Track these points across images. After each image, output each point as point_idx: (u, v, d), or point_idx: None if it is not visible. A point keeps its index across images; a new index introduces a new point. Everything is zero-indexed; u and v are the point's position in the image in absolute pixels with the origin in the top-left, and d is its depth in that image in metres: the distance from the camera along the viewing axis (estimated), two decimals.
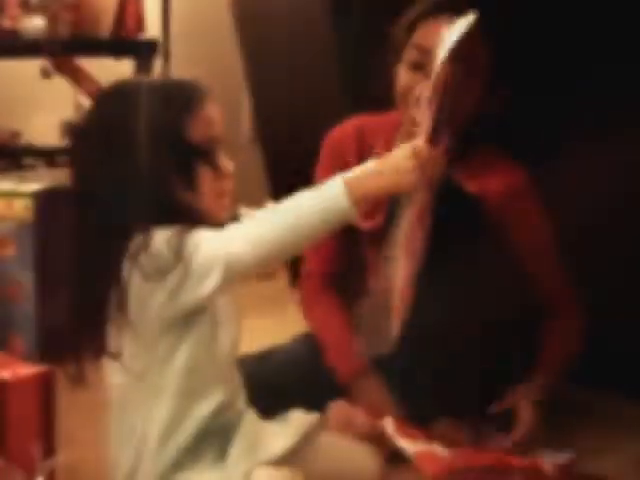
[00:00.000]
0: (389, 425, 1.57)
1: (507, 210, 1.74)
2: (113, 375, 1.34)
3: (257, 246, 1.24)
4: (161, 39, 3.35)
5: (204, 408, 1.32)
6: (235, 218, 1.41)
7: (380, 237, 1.83)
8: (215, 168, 1.32)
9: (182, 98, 1.32)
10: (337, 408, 1.63)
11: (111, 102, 1.36)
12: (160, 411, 1.31)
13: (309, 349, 1.80)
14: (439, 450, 1.55)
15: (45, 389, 1.46)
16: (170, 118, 1.30)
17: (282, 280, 2.96)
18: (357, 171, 1.30)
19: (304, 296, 1.90)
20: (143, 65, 3.19)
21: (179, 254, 1.24)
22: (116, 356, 1.31)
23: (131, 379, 1.31)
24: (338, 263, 1.88)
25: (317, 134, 1.94)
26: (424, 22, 1.75)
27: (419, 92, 1.54)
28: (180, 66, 3.23)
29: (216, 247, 1.25)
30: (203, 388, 1.32)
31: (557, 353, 1.79)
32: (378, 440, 1.52)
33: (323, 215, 1.25)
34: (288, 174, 2.89)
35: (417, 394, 1.70)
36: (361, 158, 1.84)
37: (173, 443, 1.30)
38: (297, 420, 1.39)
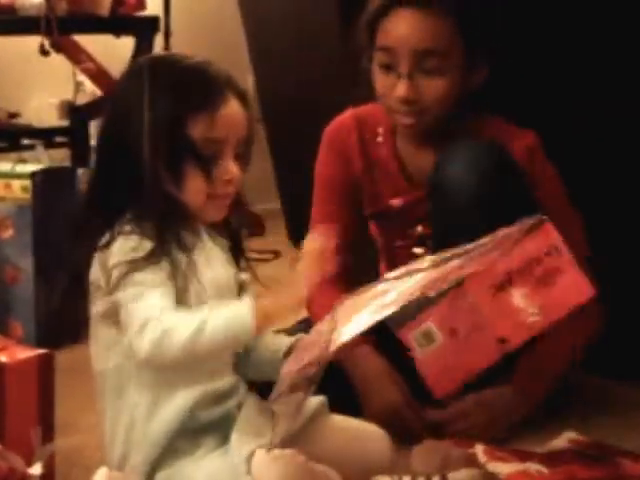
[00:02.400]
0: (479, 451, 1.55)
1: (530, 172, 1.74)
2: (97, 362, 1.35)
3: (163, 354, 1.25)
4: (162, 16, 3.34)
5: (187, 397, 1.32)
6: (241, 221, 1.42)
7: (399, 222, 1.84)
8: (206, 173, 1.32)
9: (195, 94, 1.31)
10: (425, 448, 1.60)
11: (127, 81, 1.37)
12: (142, 398, 1.31)
13: None
14: (535, 469, 1.52)
15: (44, 373, 1.46)
16: (174, 112, 1.30)
17: (286, 259, 2.96)
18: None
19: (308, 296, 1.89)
20: (144, 43, 3.19)
21: (110, 283, 1.27)
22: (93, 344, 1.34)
23: (112, 366, 1.32)
24: (344, 251, 1.87)
25: (321, 113, 1.94)
26: (382, 20, 1.73)
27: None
28: (181, 44, 3.22)
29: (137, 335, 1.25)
30: (185, 378, 1.32)
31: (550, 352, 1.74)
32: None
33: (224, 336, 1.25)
34: (292, 153, 2.90)
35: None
36: (364, 149, 1.85)
37: (158, 429, 1.30)
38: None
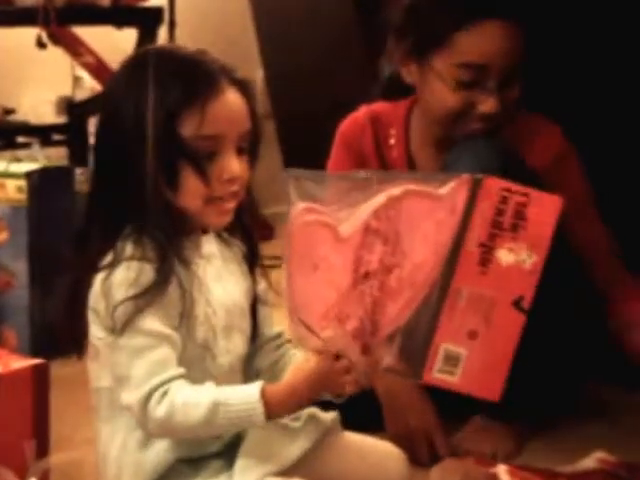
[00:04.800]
0: (502, 471, 1.55)
1: (554, 176, 1.73)
2: (94, 378, 1.35)
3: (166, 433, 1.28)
4: (166, 7, 3.35)
5: None
6: (249, 230, 1.40)
7: None
8: (202, 173, 1.28)
9: (183, 87, 1.27)
10: (444, 467, 1.61)
11: (116, 78, 1.35)
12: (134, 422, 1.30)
13: None
14: None
15: (39, 384, 1.46)
16: (162, 108, 1.26)
17: None
18: (280, 386, 1.27)
19: None
20: (147, 35, 3.20)
21: (113, 321, 1.25)
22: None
23: (108, 385, 1.32)
24: None
25: (336, 110, 1.94)
26: (459, 33, 1.69)
27: None
28: (186, 36, 3.23)
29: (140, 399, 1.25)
30: None
31: None
32: None
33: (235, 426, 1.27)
34: (304, 152, 2.90)
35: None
36: (378, 149, 1.85)
37: (154, 459, 1.30)
38: (312, 420, 1.38)
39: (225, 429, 1.27)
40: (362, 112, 1.89)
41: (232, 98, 1.30)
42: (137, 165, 1.27)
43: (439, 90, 1.72)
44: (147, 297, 1.25)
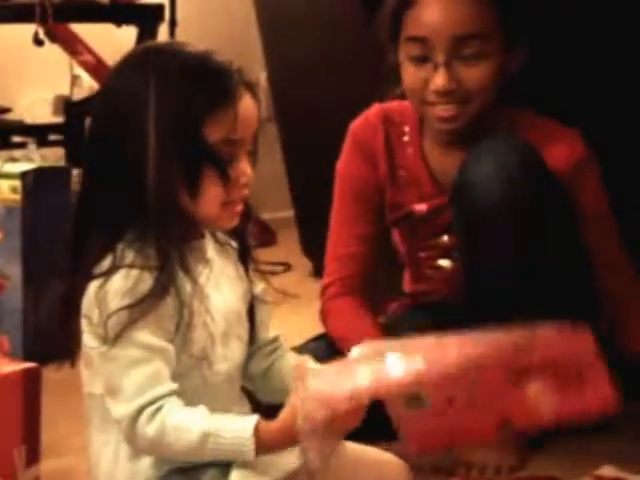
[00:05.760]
0: None
1: (573, 181, 1.74)
2: (87, 384, 1.34)
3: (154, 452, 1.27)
4: (167, 4, 3.35)
5: None
6: (242, 231, 1.39)
7: (423, 230, 1.84)
8: (224, 177, 1.27)
9: (210, 91, 1.26)
10: None
11: (125, 74, 1.32)
12: None
13: (329, 349, 1.78)
14: None
15: (30, 388, 1.46)
16: (188, 113, 1.25)
17: (297, 272, 2.96)
18: (275, 425, 1.25)
19: (323, 308, 1.89)
20: (147, 33, 3.20)
21: (106, 330, 1.23)
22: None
23: (100, 393, 1.30)
24: (361, 264, 1.87)
25: (340, 113, 1.94)
26: (409, 8, 1.73)
27: None
28: (188, 35, 3.22)
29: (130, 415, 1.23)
30: None
31: None
32: None
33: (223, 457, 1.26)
34: (307, 156, 2.90)
35: None
36: (389, 149, 1.85)
37: (146, 472, 1.28)
38: None
39: (212, 458, 1.26)
40: (374, 111, 1.89)
41: (249, 101, 1.31)
42: (141, 168, 1.25)
43: (404, 71, 1.76)
44: (143, 307, 1.24)
